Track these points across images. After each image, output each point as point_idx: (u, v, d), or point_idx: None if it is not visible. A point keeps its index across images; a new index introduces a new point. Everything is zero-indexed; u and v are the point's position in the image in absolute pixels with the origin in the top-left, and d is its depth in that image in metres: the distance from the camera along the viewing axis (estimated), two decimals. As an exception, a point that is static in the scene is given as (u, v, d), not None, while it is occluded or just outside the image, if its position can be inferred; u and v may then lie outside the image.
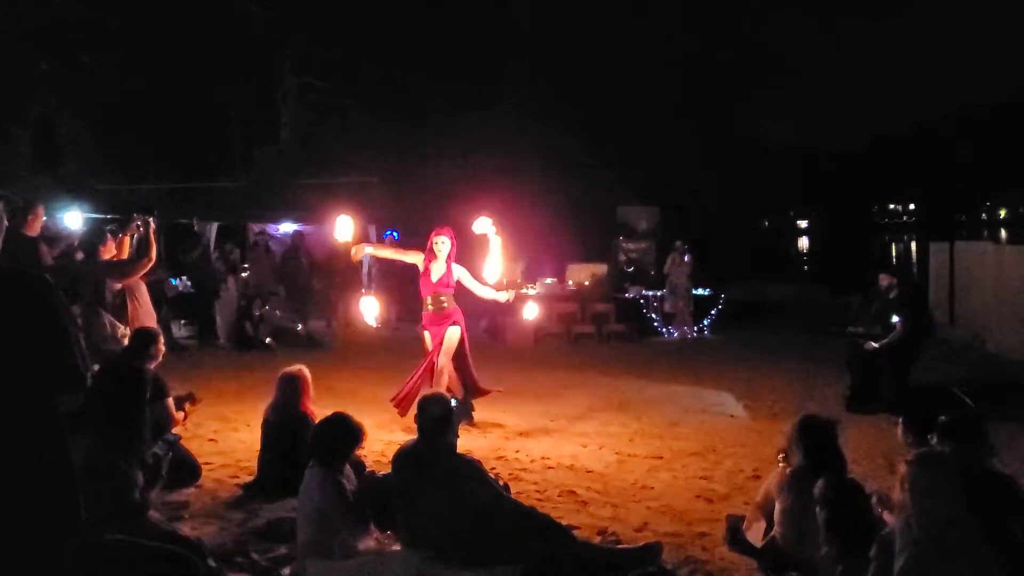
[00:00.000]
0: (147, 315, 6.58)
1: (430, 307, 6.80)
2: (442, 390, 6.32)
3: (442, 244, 6.78)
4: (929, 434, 3.80)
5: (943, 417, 3.78)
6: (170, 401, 5.31)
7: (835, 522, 3.40)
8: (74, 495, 2.38)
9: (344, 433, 3.97)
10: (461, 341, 6.85)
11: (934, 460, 3.20)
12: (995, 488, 3.57)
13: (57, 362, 2.36)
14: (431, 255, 6.81)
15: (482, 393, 7.06)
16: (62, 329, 2.38)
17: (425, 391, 4.35)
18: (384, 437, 6.38)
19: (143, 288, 6.71)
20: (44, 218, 6.93)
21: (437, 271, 6.78)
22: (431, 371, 6.73)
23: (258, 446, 5.35)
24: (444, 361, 6.71)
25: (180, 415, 5.39)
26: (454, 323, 6.77)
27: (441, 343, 6.71)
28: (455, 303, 6.86)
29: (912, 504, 3.02)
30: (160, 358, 5.23)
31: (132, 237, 6.71)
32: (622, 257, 15.03)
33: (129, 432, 3.67)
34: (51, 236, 8.24)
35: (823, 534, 3.45)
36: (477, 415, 7.11)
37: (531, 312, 8.04)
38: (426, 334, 6.87)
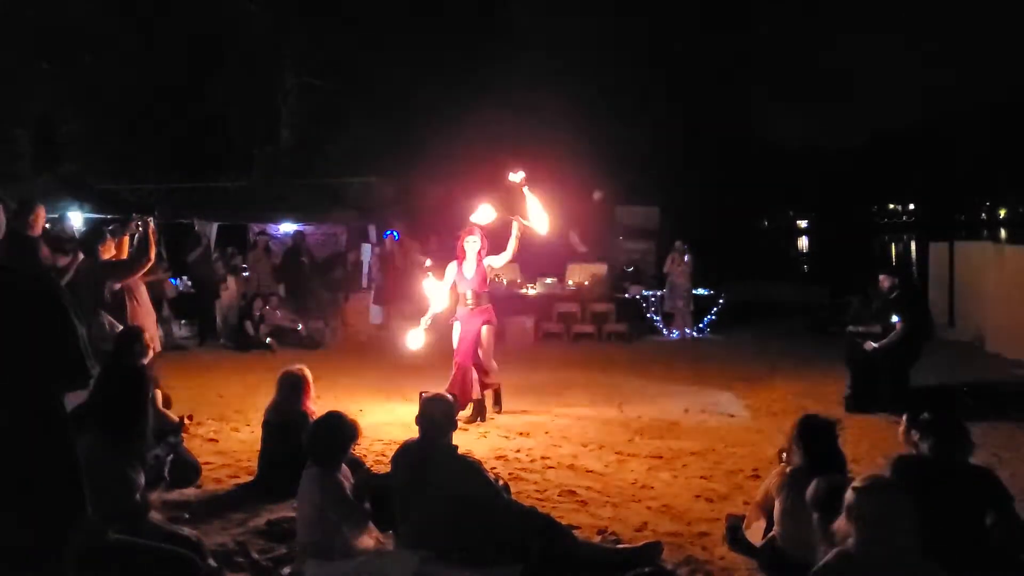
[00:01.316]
0: (146, 315, 6.60)
1: (465, 304, 7.17)
2: (494, 380, 7.18)
3: (471, 243, 7.17)
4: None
5: (925, 415, 3.85)
6: (158, 393, 5.32)
7: (828, 524, 3.41)
8: (80, 492, 2.39)
9: (339, 432, 3.97)
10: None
11: (883, 488, 3.05)
12: (974, 482, 3.66)
13: (64, 359, 2.38)
14: (462, 254, 7.20)
15: (468, 399, 7.10)
16: (70, 327, 2.40)
17: (426, 391, 4.36)
18: (384, 437, 6.39)
19: (142, 288, 6.72)
20: (47, 218, 6.94)
21: (469, 269, 7.19)
22: (459, 370, 7.08)
23: (259, 446, 5.35)
24: (487, 358, 7.16)
25: (175, 418, 5.42)
26: (487, 321, 7.16)
27: (470, 336, 7.08)
28: (488, 302, 7.26)
29: (858, 533, 2.88)
30: (149, 355, 5.23)
31: (132, 237, 6.72)
32: (622, 257, 15.03)
33: (130, 433, 3.68)
34: (55, 236, 8.26)
35: (819, 535, 3.46)
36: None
37: (415, 342, 7.31)
38: (456, 324, 7.22)
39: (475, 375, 7.09)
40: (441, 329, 7.65)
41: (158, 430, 4.62)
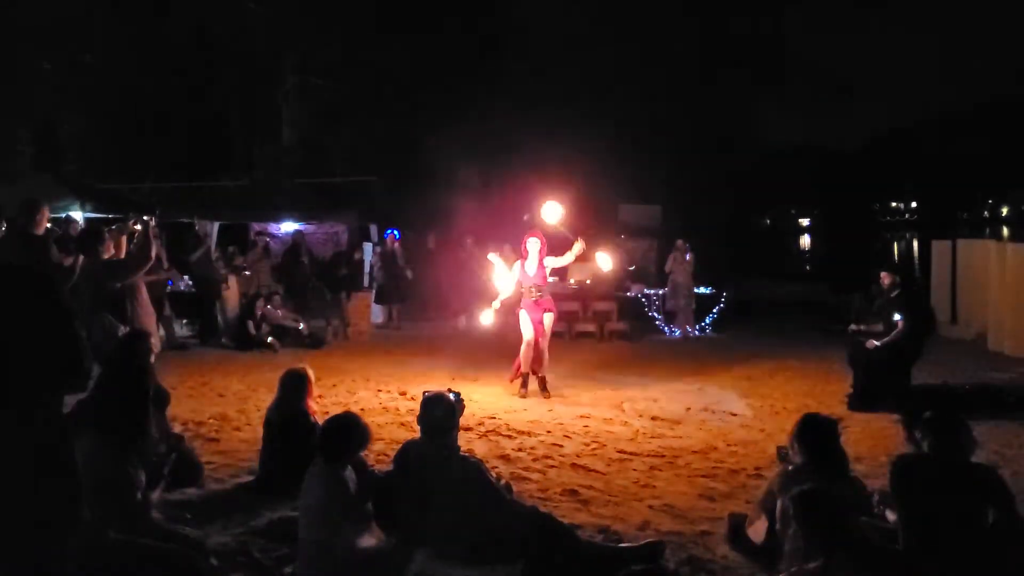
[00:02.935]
0: (146, 315, 6.59)
1: (530, 296, 8.23)
2: (545, 363, 8.19)
3: (532, 245, 8.22)
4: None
5: (927, 414, 3.86)
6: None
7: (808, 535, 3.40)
8: (76, 494, 2.38)
9: (353, 433, 3.97)
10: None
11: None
12: (975, 479, 3.65)
13: (62, 357, 2.37)
14: (525, 254, 8.25)
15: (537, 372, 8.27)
16: (67, 325, 2.39)
17: (428, 391, 4.37)
18: (385, 436, 6.38)
19: (142, 288, 6.71)
20: (53, 219, 6.95)
21: (531, 267, 8.22)
22: (530, 346, 8.13)
23: (260, 445, 5.35)
24: (544, 342, 8.19)
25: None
26: (548, 310, 8.25)
27: (538, 323, 8.16)
28: (549, 295, 8.36)
29: None
30: (152, 357, 5.22)
31: (131, 237, 6.72)
32: (624, 256, 14.99)
33: (132, 432, 3.67)
34: (62, 236, 8.24)
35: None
36: (478, 412, 7.14)
37: (605, 263, 8.96)
38: (522, 313, 8.25)
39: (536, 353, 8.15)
40: (505, 313, 8.84)
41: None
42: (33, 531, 2.29)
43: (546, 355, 8.25)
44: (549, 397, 8.04)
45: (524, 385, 8.18)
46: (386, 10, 18.94)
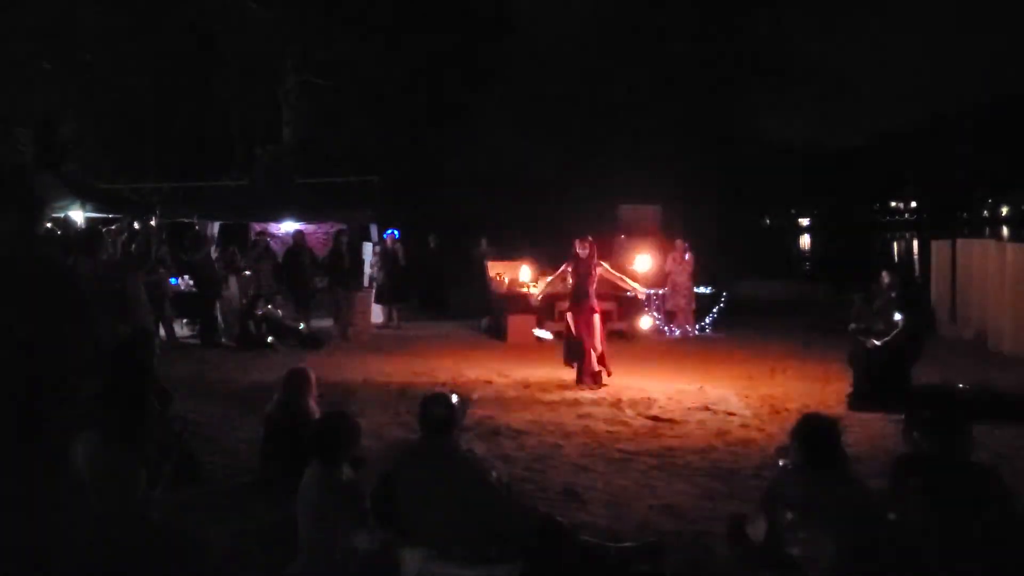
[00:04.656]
0: (145, 314, 6.60)
1: (575, 297, 8.74)
2: (595, 363, 8.59)
3: (582, 249, 8.69)
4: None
5: (927, 414, 3.85)
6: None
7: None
8: (76, 491, 2.39)
9: (343, 431, 3.97)
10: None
11: None
12: (975, 479, 3.66)
13: (78, 352, 2.38)
14: (575, 257, 8.74)
15: (604, 366, 8.78)
16: (85, 320, 2.40)
17: (437, 394, 4.37)
18: (385, 436, 6.39)
19: (141, 288, 6.72)
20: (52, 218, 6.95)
21: (581, 270, 8.72)
22: (582, 342, 8.63)
23: (260, 444, 5.35)
24: (594, 341, 8.63)
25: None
26: (595, 311, 8.71)
27: (583, 323, 8.64)
28: (594, 296, 8.76)
29: None
30: (153, 357, 5.23)
31: (130, 237, 6.73)
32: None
33: (133, 431, 3.67)
34: (61, 236, 8.26)
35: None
36: (478, 412, 7.14)
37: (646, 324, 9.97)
38: (569, 315, 8.86)
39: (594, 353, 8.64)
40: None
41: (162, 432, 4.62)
42: (32, 529, 2.29)
43: (596, 351, 8.66)
44: (596, 385, 8.56)
45: (595, 380, 8.62)
46: (386, 10, 18.96)
